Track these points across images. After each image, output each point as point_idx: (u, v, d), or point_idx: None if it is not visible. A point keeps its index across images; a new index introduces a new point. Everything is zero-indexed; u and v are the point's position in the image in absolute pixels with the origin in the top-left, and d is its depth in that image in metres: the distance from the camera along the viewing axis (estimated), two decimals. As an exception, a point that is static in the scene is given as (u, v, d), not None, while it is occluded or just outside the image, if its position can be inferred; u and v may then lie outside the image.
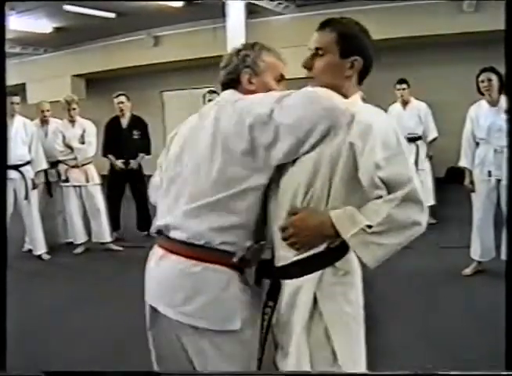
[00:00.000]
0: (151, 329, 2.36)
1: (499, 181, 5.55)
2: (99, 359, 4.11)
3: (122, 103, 8.03)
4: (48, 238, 7.33)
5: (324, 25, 2.16)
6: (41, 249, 7.11)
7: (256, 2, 11.27)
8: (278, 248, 2.17)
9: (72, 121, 7.45)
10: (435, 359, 3.87)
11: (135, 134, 8.13)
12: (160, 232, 2.28)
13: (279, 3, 11.84)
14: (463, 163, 5.71)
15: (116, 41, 14.10)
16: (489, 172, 5.59)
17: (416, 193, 1.98)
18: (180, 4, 11.38)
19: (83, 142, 7.41)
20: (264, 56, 2.32)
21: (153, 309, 2.29)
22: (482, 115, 5.60)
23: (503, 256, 5.64)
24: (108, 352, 4.24)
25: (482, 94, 5.56)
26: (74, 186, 7.43)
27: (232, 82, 2.32)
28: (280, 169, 2.13)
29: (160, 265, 2.25)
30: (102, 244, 7.57)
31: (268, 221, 2.20)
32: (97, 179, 7.54)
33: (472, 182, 5.69)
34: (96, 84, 15.17)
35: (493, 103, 5.53)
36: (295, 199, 2.08)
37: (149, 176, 8.06)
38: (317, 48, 2.13)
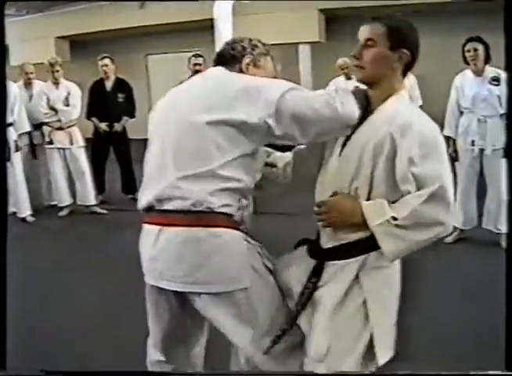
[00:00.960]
0: (152, 304, 2.43)
1: (482, 150, 5.61)
2: (86, 321, 4.17)
3: (106, 65, 7.97)
4: (33, 201, 7.33)
5: (373, 20, 2.25)
6: (25, 211, 7.13)
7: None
8: (323, 233, 2.31)
9: (56, 83, 7.42)
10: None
11: (120, 97, 8.09)
12: (150, 207, 2.29)
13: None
14: (446, 132, 5.72)
15: (101, 3, 13.87)
16: (473, 142, 5.63)
17: (445, 192, 2.08)
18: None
19: (67, 105, 7.40)
20: (267, 58, 2.47)
21: (154, 287, 2.35)
22: (467, 85, 5.62)
23: (484, 225, 5.76)
24: (95, 314, 4.29)
25: (468, 64, 5.57)
26: (58, 149, 7.43)
27: (232, 58, 2.40)
28: (325, 162, 2.32)
29: (160, 241, 2.23)
30: (87, 206, 7.61)
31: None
32: (81, 142, 7.54)
33: (455, 151, 5.74)
34: (81, 46, 15.01)
35: (478, 73, 5.54)
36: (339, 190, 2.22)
37: (134, 140, 8.09)
38: (368, 40, 2.22)
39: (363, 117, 2.22)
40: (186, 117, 2.22)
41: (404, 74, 2.26)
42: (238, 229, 2.26)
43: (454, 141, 5.74)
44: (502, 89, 5.43)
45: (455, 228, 5.83)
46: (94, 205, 7.63)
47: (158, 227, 2.24)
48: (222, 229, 2.20)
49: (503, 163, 5.50)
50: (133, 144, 8.08)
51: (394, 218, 2.06)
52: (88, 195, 7.56)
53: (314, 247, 2.36)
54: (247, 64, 2.40)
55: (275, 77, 2.45)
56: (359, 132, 2.21)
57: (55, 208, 7.62)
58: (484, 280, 4.73)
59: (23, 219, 7.08)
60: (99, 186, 8.00)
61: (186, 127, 2.21)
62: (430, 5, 10.92)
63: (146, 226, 2.34)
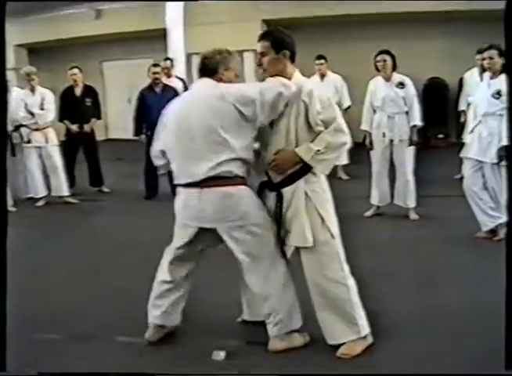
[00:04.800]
0: (185, 237, 3.67)
1: (391, 141, 6.86)
2: (65, 284, 5.14)
3: (75, 74, 9.09)
4: (12, 194, 8.15)
5: (261, 37, 3.56)
6: (8, 202, 7.98)
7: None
8: (272, 174, 3.59)
9: (32, 90, 8.46)
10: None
11: (88, 101, 9.19)
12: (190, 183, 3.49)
13: (216, -17, 12.82)
14: (363, 127, 6.99)
15: (59, 13, 14.68)
16: (384, 134, 6.85)
17: (341, 126, 3.46)
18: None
19: (42, 109, 8.44)
20: (233, 59, 3.64)
21: (188, 226, 3.62)
22: (379, 88, 6.86)
23: (396, 201, 7.01)
24: (74, 278, 5.29)
25: (379, 71, 6.82)
26: (35, 147, 8.47)
27: (212, 71, 3.57)
28: (267, 132, 3.55)
29: (203, 198, 3.45)
30: (61, 197, 8.66)
31: (263, 162, 3.60)
32: (55, 141, 8.62)
33: (371, 142, 6.96)
34: (39, 53, 15.69)
35: (387, 79, 6.81)
36: (280, 145, 3.50)
37: (101, 141, 9.25)
38: (261, 52, 3.54)
39: None
40: (205, 122, 3.41)
41: (292, 62, 3.56)
42: (248, 185, 3.58)
43: (370, 134, 6.96)
44: (406, 92, 6.73)
45: (372, 205, 7.12)
46: (67, 196, 8.70)
47: (198, 190, 3.46)
48: (242, 186, 3.53)
49: (408, 150, 6.81)
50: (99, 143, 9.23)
51: (318, 150, 3.40)
52: (62, 187, 8.62)
53: (270, 184, 3.63)
54: (223, 72, 3.56)
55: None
56: None
57: (32, 200, 8.62)
58: (395, 243, 6.06)
59: (6, 209, 7.96)
60: (70, 180, 9.00)
61: (208, 129, 3.40)
62: (354, 16, 12.32)
63: (186, 191, 3.53)
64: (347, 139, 3.49)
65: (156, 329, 3.91)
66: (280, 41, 3.53)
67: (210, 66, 3.58)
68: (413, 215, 6.92)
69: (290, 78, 3.52)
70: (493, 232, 5.88)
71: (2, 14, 3.11)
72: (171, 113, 3.63)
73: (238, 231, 3.53)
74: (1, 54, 3.16)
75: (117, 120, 15.88)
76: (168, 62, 9.75)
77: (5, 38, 3.13)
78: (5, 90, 3.35)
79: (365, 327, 3.63)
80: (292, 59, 3.58)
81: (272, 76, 3.53)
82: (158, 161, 3.85)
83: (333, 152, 3.47)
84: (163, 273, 3.84)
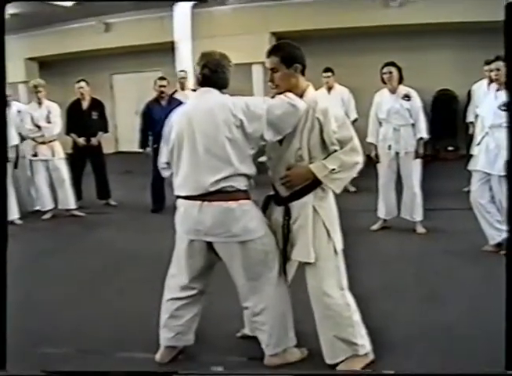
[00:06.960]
0: (189, 252, 3.57)
1: (397, 153, 6.80)
2: (69, 296, 5.16)
3: (82, 87, 9.10)
4: (19, 207, 8.24)
5: (270, 53, 3.47)
6: (13, 215, 7.96)
7: (201, -5, 12.31)
8: (280, 188, 3.56)
9: (39, 103, 8.48)
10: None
11: (94, 115, 9.18)
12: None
13: (222, -5, 12.91)
14: (369, 139, 6.92)
15: (69, 27, 14.77)
16: (389, 146, 6.80)
17: (356, 146, 3.41)
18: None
19: (49, 122, 8.44)
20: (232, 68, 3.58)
21: (191, 240, 3.53)
22: (384, 100, 6.81)
23: (402, 215, 6.94)
24: (79, 291, 5.29)
25: (385, 83, 6.77)
26: (42, 160, 8.49)
27: (221, 84, 3.51)
28: (276, 147, 3.52)
29: (204, 211, 3.39)
30: (67, 210, 8.65)
31: (273, 175, 3.58)
32: (62, 154, 8.62)
33: (377, 155, 6.91)
34: (49, 66, 15.81)
35: (393, 91, 6.75)
36: (291, 161, 3.45)
37: (111, 154, 9.30)
38: (272, 68, 3.45)
39: None
40: (209, 134, 3.34)
41: (303, 75, 3.50)
42: (251, 199, 3.51)
43: (376, 146, 6.91)
44: (411, 104, 6.68)
45: (379, 218, 7.06)
46: (73, 209, 8.69)
47: (199, 202, 3.40)
48: (245, 201, 3.44)
49: (415, 163, 6.75)
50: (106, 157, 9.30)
51: (333, 169, 3.35)
52: (69, 200, 8.61)
53: (277, 198, 3.60)
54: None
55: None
56: None
57: (39, 213, 8.63)
58: (401, 257, 6.00)
59: (12, 222, 7.82)
60: (77, 192, 9.00)
61: (210, 141, 3.33)
62: (368, 28, 12.28)
63: (186, 202, 3.48)
64: (360, 159, 3.43)
65: (168, 350, 3.81)
66: (290, 55, 3.45)
67: (221, 82, 3.51)
68: (420, 229, 6.85)
69: (303, 93, 3.45)
70: (500, 245, 5.80)
71: (2, 14, 3.11)
72: (175, 123, 3.53)
73: (236, 247, 3.46)
74: (1, 56, 3.15)
75: (126, 132, 15.89)
76: (183, 73, 9.92)
77: (4, 40, 3.12)
78: (4, 90, 3.31)
79: (365, 346, 3.57)
80: (303, 71, 3.50)
81: (284, 92, 3.43)
82: (165, 173, 3.78)
83: (347, 171, 3.41)
84: (173, 291, 3.74)
